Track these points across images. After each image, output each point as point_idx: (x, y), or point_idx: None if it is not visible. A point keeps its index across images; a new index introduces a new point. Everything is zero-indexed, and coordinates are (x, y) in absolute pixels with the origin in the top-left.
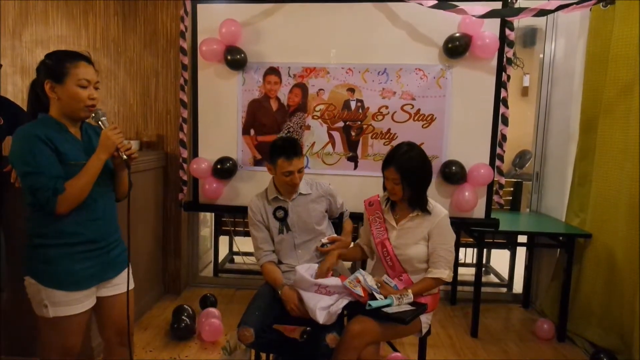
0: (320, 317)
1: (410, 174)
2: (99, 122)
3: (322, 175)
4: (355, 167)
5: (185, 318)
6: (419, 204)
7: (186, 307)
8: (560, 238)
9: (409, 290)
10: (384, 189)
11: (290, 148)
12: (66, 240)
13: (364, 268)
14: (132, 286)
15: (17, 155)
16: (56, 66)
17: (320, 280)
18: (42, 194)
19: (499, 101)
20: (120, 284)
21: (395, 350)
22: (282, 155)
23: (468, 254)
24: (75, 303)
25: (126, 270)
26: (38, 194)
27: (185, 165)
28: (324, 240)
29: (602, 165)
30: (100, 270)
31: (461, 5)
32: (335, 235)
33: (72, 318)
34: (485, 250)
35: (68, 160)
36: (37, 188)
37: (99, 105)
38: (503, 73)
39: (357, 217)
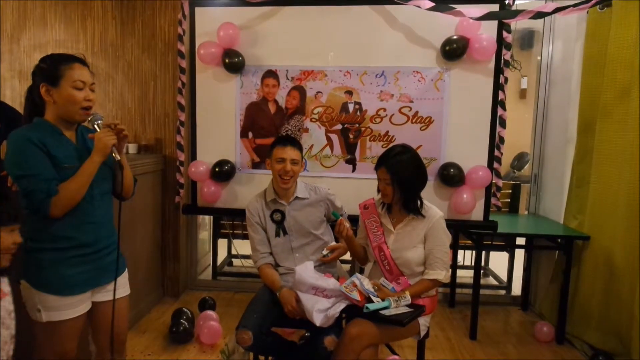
0: (317, 320)
1: (401, 176)
2: (95, 126)
3: (320, 177)
4: (354, 169)
5: (184, 321)
6: (413, 207)
7: (185, 310)
8: (559, 240)
9: (407, 293)
10: (378, 190)
11: (286, 137)
12: (60, 244)
13: (361, 272)
14: (127, 292)
15: (10, 159)
16: (51, 69)
17: (319, 283)
18: (35, 196)
19: (497, 103)
20: (116, 290)
21: (394, 353)
22: (277, 143)
23: (467, 257)
24: (69, 308)
25: (122, 275)
26: (32, 196)
27: (182, 169)
28: (325, 251)
29: (600, 167)
30: (95, 275)
31: (458, 7)
32: (335, 243)
33: (65, 323)
34: (483, 252)
35: (61, 164)
36: (31, 190)
37: (96, 108)
38: (500, 75)
39: (355, 220)
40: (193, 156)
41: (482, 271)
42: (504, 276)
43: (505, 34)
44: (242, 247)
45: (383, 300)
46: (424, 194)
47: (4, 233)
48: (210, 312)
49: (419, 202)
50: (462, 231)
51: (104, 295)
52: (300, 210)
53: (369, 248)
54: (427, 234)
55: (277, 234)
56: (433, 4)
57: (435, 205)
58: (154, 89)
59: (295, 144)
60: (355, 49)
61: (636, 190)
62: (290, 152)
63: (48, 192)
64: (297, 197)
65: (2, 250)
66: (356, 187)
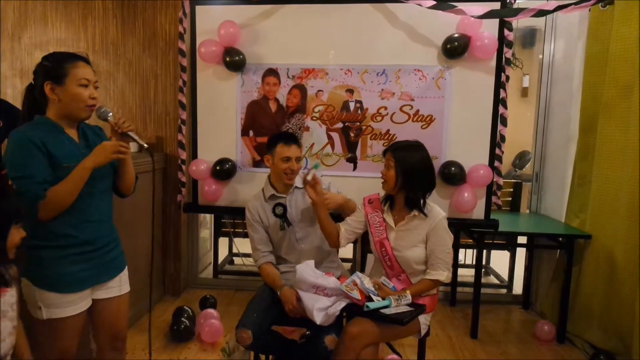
0: (318, 318)
1: (406, 165)
2: (108, 119)
3: (321, 176)
4: (355, 168)
5: (184, 319)
6: (415, 204)
7: (186, 308)
8: (560, 239)
9: (407, 292)
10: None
11: (289, 136)
12: (59, 242)
13: (362, 270)
14: (127, 290)
15: (8, 158)
16: (55, 67)
17: (320, 281)
18: (25, 198)
19: (498, 102)
20: (116, 287)
21: (394, 351)
22: (280, 141)
23: (468, 255)
24: (69, 305)
25: (122, 273)
26: (23, 197)
27: (183, 167)
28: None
29: (602, 165)
30: (95, 273)
31: (460, 5)
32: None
33: (66, 320)
34: (485, 251)
35: (60, 163)
36: (22, 192)
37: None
38: (502, 74)
39: None
40: (194, 154)
41: (483, 270)
42: (505, 275)
43: (506, 32)
44: (243, 245)
45: (383, 299)
46: None
47: (13, 229)
48: (211, 311)
49: (422, 202)
50: (463, 230)
51: (105, 292)
52: (300, 200)
53: (371, 244)
54: (428, 234)
55: (282, 227)
56: (434, 2)
57: (436, 204)
58: (155, 88)
59: (297, 141)
60: (356, 47)
61: (638, 189)
62: (294, 151)
63: (36, 196)
64: (295, 187)
65: (10, 246)
66: (357, 186)
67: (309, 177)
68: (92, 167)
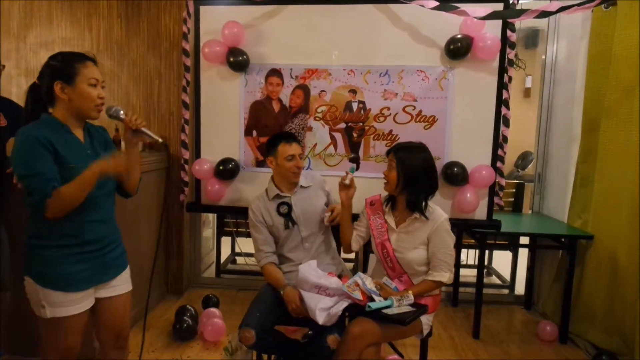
0: (320, 318)
1: (407, 167)
2: (120, 117)
3: (324, 176)
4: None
5: (187, 318)
6: (417, 206)
7: (189, 307)
8: (563, 239)
9: (409, 292)
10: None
11: (288, 134)
12: (63, 242)
13: (365, 270)
14: (129, 289)
15: (15, 157)
16: (65, 67)
17: (322, 282)
18: (33, 196)
19: (501, 102)
20: (118, 286)
21: (396, 352)
22: (281, 140)
23: (470, 256)
24: (73, 304)
25: (124, 272)
26: (32, 196)
27: (186, 167)
28: (327, 214)
29: (604, 166)
30: (98, 273)
31: (462, 6)
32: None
33: (69, 319)
34: (487, 251)
35: (67, 163)
36: (31, 190)
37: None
38: (505, 74)
39: (354, 218)
40: (197, 154)
41: (485, 270)
42: (507, 275)
43: (509, 32)
44: (245, 245)
45: (386, 299)
46: None
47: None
48: (213, 310)
49: (423, 204)
50: (465, 230)
51: (107, 291)
52: (306, 199)
53: (372, 245)
54: (430, 236)
55: (287, 226)
56: (437, 3)
57: (438, 204)
58: (159, 87)
59: (296, 139)
60: (359, 47)
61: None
62: (296, 148)
63: (45, 194)
64: (300, 186)
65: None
66: (360, 186)
67: (347, 182)
68: (100, 173)
